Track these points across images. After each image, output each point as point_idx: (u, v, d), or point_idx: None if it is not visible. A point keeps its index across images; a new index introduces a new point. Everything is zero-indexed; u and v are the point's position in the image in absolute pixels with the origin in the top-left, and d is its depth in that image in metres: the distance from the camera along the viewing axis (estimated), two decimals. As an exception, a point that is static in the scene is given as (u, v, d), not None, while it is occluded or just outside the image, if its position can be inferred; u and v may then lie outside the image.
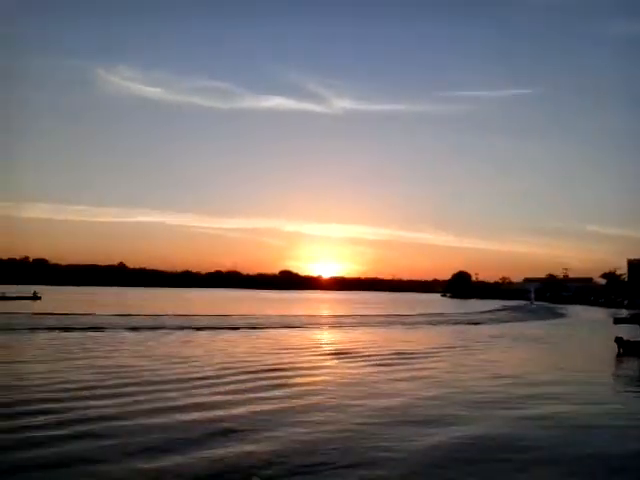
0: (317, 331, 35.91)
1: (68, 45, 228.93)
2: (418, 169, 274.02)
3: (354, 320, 48.70)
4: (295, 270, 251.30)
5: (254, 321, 43.19)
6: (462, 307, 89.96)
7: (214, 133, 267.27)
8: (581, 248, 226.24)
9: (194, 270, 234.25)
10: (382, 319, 51.13)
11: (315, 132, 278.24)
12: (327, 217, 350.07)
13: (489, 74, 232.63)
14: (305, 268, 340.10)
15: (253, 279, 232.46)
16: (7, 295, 68.99)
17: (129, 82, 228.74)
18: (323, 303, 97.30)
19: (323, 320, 48.83)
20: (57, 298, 76.14)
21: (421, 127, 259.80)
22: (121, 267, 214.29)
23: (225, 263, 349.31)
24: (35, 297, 71.54)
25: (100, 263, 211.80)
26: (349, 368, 19.65)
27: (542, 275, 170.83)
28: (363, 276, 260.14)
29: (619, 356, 26.40)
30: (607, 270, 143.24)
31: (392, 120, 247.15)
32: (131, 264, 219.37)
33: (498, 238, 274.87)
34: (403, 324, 43.65)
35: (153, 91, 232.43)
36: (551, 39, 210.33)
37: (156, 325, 36.02)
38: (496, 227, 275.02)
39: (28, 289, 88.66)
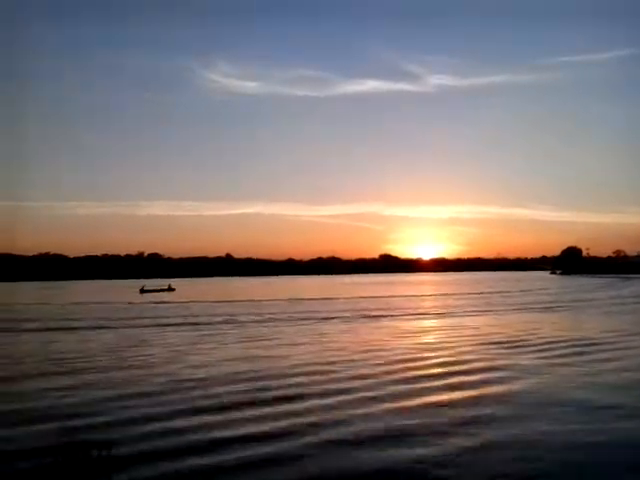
0: (452, 317, 36.69)
1: (165, 44, 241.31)
2: (520, 143, 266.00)
3: (479, 302, 49.24)
4: (395, 253, 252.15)
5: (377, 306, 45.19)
6: (577, 284, 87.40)
7: (311, 121, 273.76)
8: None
9: (296, 258, 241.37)
10: (508, 301, 51.23)
11: (411, 112, 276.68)
12: (426, 199, 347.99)
13: (591, 36, 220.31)
14: (405, 251, 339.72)
15: (353, 264, 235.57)
16: (147, 288, 76.50)
17: (227, 78, 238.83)
18: (431, 285, 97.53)
19: (446, 304, 49.57)
20: (188, 290, 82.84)
21: (522, 98, 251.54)
22: (228, 258, 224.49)
23: (325, 250, 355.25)
24: (170, 289, 78.38)
25: (209, 255, 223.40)
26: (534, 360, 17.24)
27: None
28: (466, 256, 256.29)
29: None
30: None
31: (491, 93, 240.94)
32: (237, 254, 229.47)
33: (610, 210, 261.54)
34: (531, 308, 43.57)
35: (251, 85, 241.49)
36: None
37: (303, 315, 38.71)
38: (607, 199, 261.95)
39: (155, 282, 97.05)
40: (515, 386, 13.28)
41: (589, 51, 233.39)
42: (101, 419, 10.91)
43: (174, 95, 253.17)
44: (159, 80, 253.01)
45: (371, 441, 9.27)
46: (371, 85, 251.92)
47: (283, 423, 10.40)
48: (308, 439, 9.47)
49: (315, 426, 10.19)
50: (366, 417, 10.75)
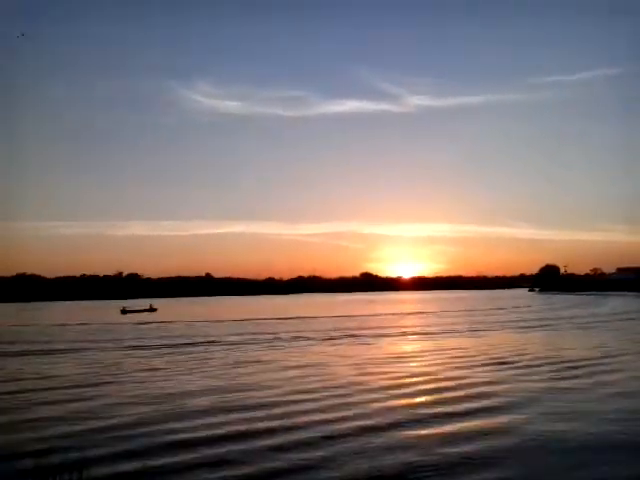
0: (441, 337, 36.76)
1: (148, 65, 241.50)
2: (498, 162, 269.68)
3: (460, 320, 49.43)
4: (375, 272, 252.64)
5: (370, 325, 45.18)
6: (555, 301, 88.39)
7: (291, 141, 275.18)
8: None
9: (277, 277, 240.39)
10: (490, 319, 51.50)
11: (392, 132, 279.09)
12: (406, 217, 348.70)
13: (572, 55, 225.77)
14: (385, 269, 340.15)
15: (334, 283, 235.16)
16: (129, 309, 75.76)
17: (210, 98, 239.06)
18: (413, 304, 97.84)
19: (430, 322, 49.62)
20: (169, 310, 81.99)
21: (501, 117, 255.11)
22: (208, 278, 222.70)
23: (306, 268, 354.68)
24: (151, 309, 77.65)
25: (188, 274, 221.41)
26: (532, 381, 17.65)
27: (637, 264, 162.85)
28: (445, 274, 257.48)
29: None
30: None
31: (469, 113, 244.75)
32: (218, 274, 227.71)
33: (589, 229, 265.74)
34: (514, 327, 43.95)
35: (233, 105, 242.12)
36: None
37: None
38: (586, 217, 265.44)
39: (134, 302, 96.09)
40: (506, 418, 12.59)
41: (572, 71, 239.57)
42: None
43: (156, 115, 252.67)
44: (142, 100, 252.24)
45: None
46: (352, 105, 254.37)
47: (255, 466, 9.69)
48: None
49: (301, 463, 9.73)
50: (363, 452, 10.26)
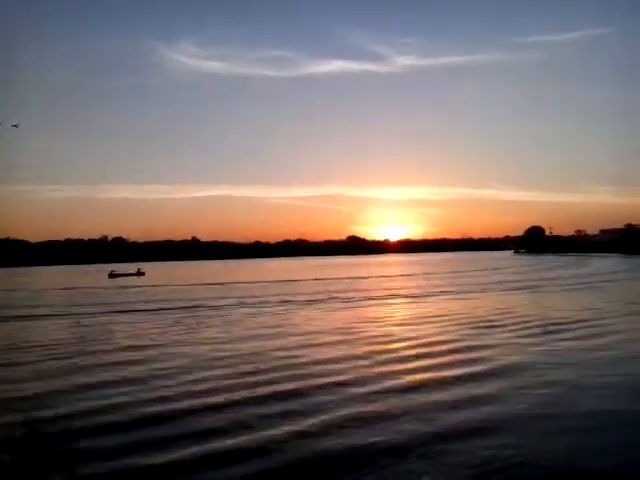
0: (430, 299, 36.90)
1: (131, 26, 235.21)
2: (484, 123, 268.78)
3: (446, 282, 49.76)
4: (362, 235, 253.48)
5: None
6: (540, 263, 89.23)
7: (277, 102, 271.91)
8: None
9: (263, 240, 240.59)
10: (475, 281, 51.83)
11: (378, 93, 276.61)
12: (392, 180, 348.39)
13: (562, 14, 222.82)
14: (372, 233, 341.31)
15: (321, 246, 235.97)
16: (116, 272, 75.49)
17: (193, 59, 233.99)
18: (399, 267, 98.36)
19: (416, 285, 49.86)
20: (157, 274, 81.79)
21: (487, 78, 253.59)
22: (195, 241, 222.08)
23: (292, 232, 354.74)
24: (139, 273, 77.34)
25: (175, 238, 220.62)
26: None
27: (620, 226, 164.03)
28: (431, 237, 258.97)
29: None
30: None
31: (457, 74, 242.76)
32: (205, 237, 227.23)
33: (573, 190, 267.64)
34: (499, 289, 44.26)
35: (217, 66, 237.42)
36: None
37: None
38: (570, 179, 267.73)
39: (120, 267, 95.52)
40: (496, 384, 12.93)
41: (557, 31, 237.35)
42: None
43: (140, 77, 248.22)
44: (124, 62, 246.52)
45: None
46: (338, 65, 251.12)
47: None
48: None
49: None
50: (355, 420, 10.45)
